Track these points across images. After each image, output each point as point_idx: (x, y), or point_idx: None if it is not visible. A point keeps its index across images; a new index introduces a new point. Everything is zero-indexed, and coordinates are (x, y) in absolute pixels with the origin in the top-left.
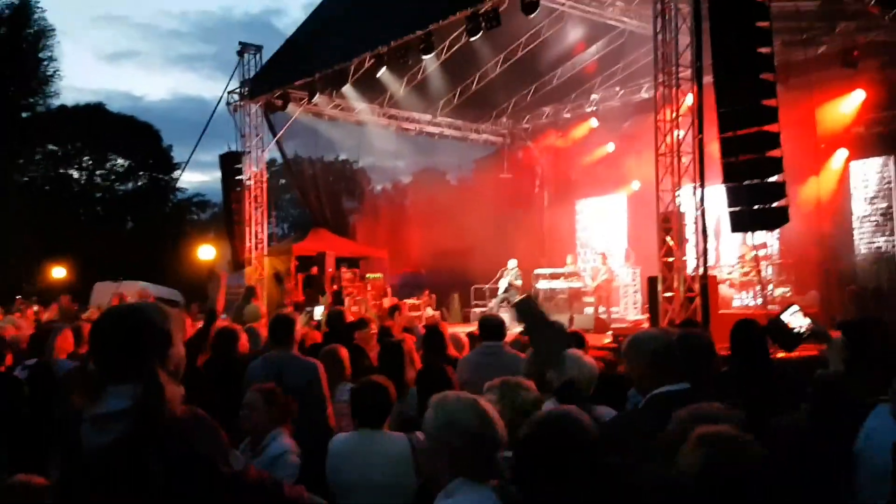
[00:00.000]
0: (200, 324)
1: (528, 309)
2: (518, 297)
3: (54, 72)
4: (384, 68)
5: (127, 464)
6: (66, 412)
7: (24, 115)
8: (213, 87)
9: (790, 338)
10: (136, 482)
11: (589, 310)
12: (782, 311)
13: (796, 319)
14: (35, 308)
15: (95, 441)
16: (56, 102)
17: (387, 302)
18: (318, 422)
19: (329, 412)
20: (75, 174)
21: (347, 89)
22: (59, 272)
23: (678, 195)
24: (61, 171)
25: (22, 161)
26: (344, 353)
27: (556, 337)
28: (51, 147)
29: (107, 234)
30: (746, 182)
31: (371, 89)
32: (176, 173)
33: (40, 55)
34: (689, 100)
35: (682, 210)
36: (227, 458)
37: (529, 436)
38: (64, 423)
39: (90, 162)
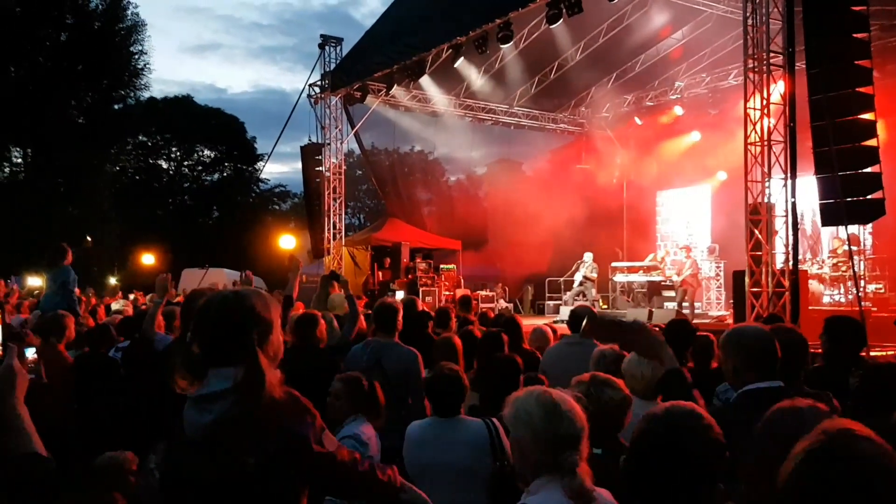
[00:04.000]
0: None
1: (597, 322)
2: (578, 306)
3: (145, 65)
4: (461, 59)
5: (226, 442)
6: (165, 390)
7: (116, 107)
8: (292, 79)
9: None
10: (234, 460)
11: (669, 304)
12: None
13: None
14: (130, 294)
15: (197, 420)
16: (146, 95)
17: (460, 293)
18: (415, 408)
19: (426, 401)
20: (164, 164)
21: (424, 80)
22: (148, 259)
23: (768, 186)
24: (151, 161)
25: (114, 151)
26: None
27: (643, 334)
28: (141, 138)
29: (194, 222)
30: (840, 173)
31: (448, 80)
32: (259, 164)
33: (132, 49)
34: (781, 87)
35: (771, 202)
36: (322, 439)
37: (648, 432)
38: (164, 401)
39: (178, 153)
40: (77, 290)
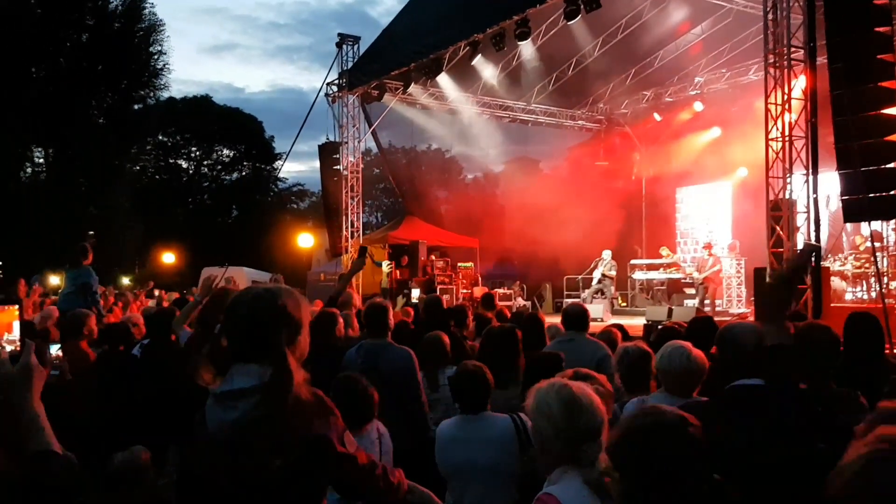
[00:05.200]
0: None
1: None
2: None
3: (164, 65)
4: (479, 56)
5: (252, 442)
6: (187, 386)
7: (136, 107)
8: (309, 78)
9: None
10: (259, 461)
11: (689, 302)
12: None
13: None
14: (154, 292)
15: (221, 417)
16: (165, 95)
17: (477, 291)
18: (413, 409)
19: (423, 399)
20: (184, 164)
21: (441, 78)
22: (168, 257)
23: (789, 182)
24: (171, 161)
25: (134, 151)
26: (446, 339)
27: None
28: (161, 138)
29: (213, 221)
30: (862, 168)
31: (465, 78)
32: (277, 164)
33: (151, 49)
34: (802, 82)
35: (792, 198)
36: (343, 440)
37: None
38: (185, 397)
39: (198, 152)
40: (101, 289)
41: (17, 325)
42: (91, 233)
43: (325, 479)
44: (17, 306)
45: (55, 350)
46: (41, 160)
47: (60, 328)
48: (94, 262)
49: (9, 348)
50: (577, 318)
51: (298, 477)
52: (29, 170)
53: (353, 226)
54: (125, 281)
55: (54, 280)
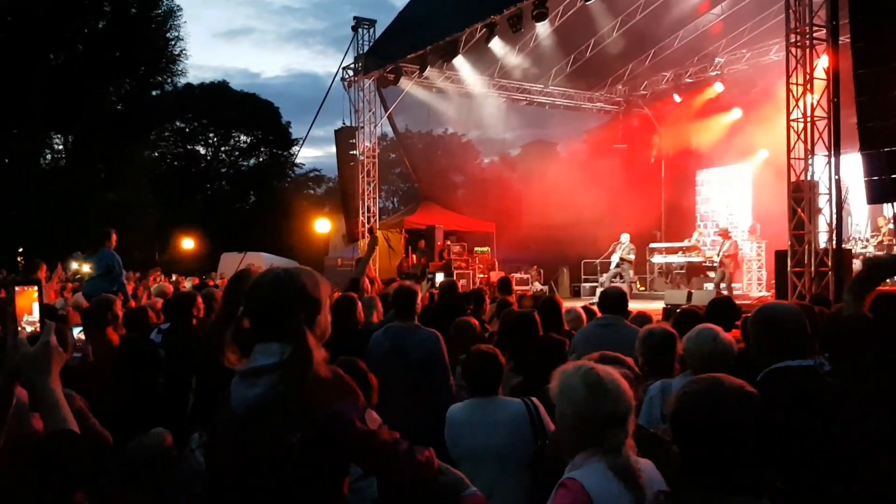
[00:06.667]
0: None
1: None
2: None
3: (181, 51)
4: (495, 38)
5: (271, 419)
6: (207, 366)
7: (153, 93)
8: (324, 62)
9: None
10: (279, 437)
11: (709, 286)
12: None
13: None
14: (169, 277)
15: (243, 394)
16: (182, 81)
17: (494, 276)
18: (441, 391)
19: (451, 381)
20: (202, 150)
21: (458, 61)
22: (188, 243)
23: (811, 163)
24: (189, 147)
25: (152, 137)
26: (475, 323)
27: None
28: (178, 124)
29: (231, 207)
30: (886, 149)
31: (481, 61)
32: (294, 149)
33: (168, 35)
34: (824, 61)
35: (814, 179)
36: (364, 417)
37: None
38: (205, 376)
39: (215, 138)
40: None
41: (36, 307)
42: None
43: (346, 456)
44: (35, 287)
45: (77, 333)
46: (60, 147)
47: (85, 313)
48: (116, 248)
49: (29, 329)
50: (616, 302)
51: (318, 453)
52: (49, 156)
53: (369, 211)
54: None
55: (76, 266)
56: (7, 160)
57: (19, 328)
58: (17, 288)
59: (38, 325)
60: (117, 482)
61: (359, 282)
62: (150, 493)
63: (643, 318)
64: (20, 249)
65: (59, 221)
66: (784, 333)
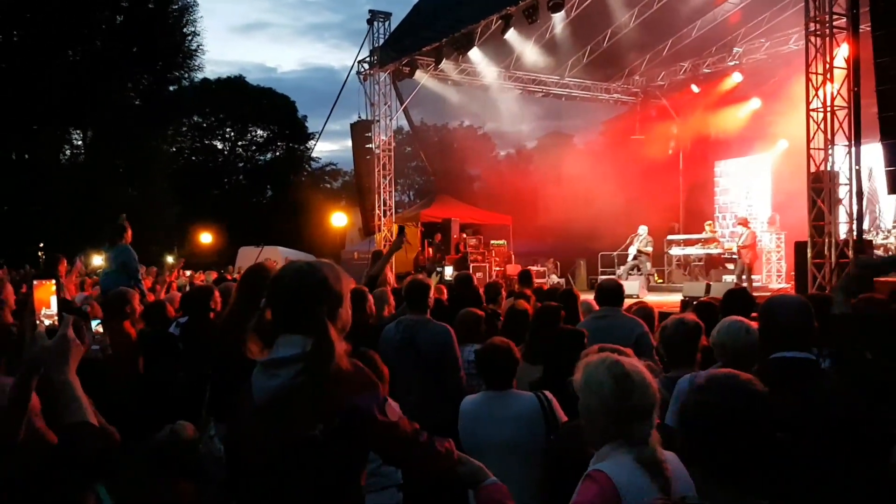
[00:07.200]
0: None
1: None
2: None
3: (198, 46)
4: (511, 29)
5: (293, 410)
6: (222, 358)
7: (171, 88)
8: (340, 56)
9: None
10: (300, 428)
11: (728, 278)
12: None
13: None
14: (186, 272)
15: (265, 384)
16: (199, 76)
17: (511, 268)
18: (452, 385)
19: (462, 375)
20: (219, 145)
21: (473, 53)
22: (206, 237)
23: (831, 154)
24: (206, 142)
25: (170, 132)
26: (480, 315)
27: None
28: (196, 119)
29: (248, 201)
30: None
31: (497, 52)
32: (310, 143)
33: (185, 30)
34: (844, 50)
35: (834, 170)
36: (384, 409)
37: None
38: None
39: (232, 133)
40: (143, 268)
41: (54, 301)
42: (123, 215)
43: (365, 446)
44: (53, 280)
45: (95, 325)
46: (80, 142)
47: (103, 306)
48: (133, 242)
49: (47, 322)
50: (610, 294)
51: (338, 443)
52: (68, 152)
53: (385, 204)
54: (169, 259)
55: (97, 260)
56: (27, 156)
57: (37, 322)
58: (34, 282)
59: (56, 318)
60: (144, 472)
61: (377, 278)
62: (178, 482)
63: (645, 310)
64: (41, 245)
65: (79, 216)
66: (786, 325)
